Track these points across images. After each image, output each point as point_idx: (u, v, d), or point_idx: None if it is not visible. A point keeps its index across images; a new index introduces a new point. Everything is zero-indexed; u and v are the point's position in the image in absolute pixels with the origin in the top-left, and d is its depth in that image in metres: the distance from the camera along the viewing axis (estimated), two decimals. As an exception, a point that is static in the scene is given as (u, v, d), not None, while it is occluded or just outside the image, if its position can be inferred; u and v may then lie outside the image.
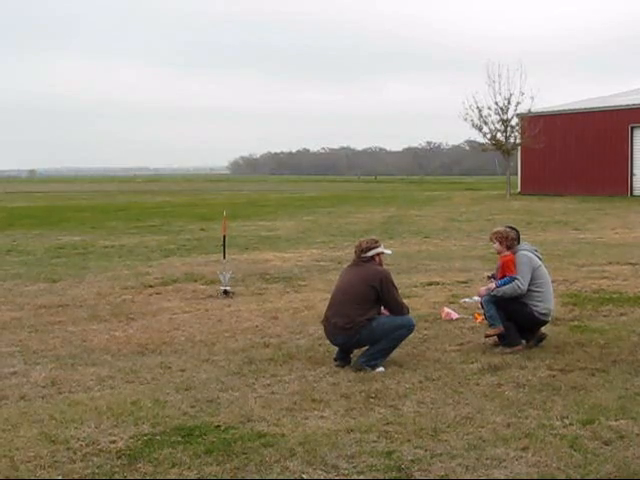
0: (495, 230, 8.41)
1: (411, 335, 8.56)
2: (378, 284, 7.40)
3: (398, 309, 7.54)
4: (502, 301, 8.01)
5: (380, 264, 7.69)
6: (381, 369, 7.17)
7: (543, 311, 8.07)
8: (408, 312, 7.66)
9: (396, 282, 7.72)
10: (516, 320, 7.98)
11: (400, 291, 11.32)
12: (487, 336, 8.02)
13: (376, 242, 7.70)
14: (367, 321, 7.33)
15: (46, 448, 5.27)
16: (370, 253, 7.60)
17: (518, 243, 8.29)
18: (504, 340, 7.96)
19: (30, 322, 9.63)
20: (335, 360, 7.43)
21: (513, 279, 7.97)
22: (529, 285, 7.99)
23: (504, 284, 8.02)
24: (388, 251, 7.98)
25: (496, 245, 8.27)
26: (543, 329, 8.22)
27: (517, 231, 8.38)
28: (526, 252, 8.15)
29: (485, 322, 9.16)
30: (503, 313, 7.99)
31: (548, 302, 8.13)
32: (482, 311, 9.70)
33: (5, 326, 9.42)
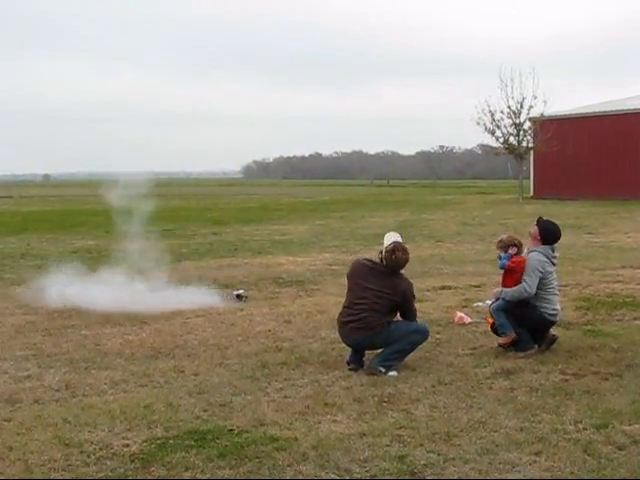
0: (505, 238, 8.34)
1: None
2: (401, 298, 7.43)
3: (413, 318, 7.59)
4: (511, 307, 7.98)
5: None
6: (394, 373, 7.17)
7: (552, 312, 8.05)
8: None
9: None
10: (527, 324, 7.96)
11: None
12: (500, 345, 7.97)
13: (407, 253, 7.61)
14: (385, 324, 7.34)
15: (60, 451, 5.29)
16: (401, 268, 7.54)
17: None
18: (517, 345, 7.93)
19: (44, 326, 9.67)
20: (348, 364, 7.44)
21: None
22: (538, 288, 7.95)
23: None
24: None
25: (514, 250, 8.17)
26: (552, 330, 8.19)
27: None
28: (539, 255, 8.11)
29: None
30: (513, 319, 7.96)
31: (556, 304, 8.12)
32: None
33: (19, 330, 9.47)
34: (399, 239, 7.62)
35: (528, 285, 7.91)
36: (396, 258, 7.43)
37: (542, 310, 8.00)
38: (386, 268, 7.45)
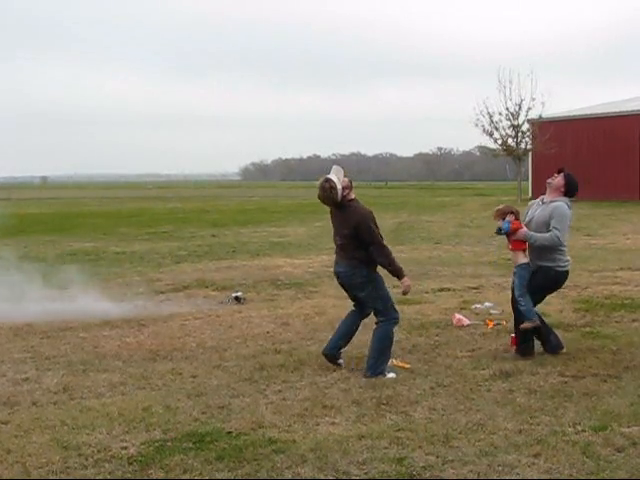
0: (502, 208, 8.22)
1: (422, 341, 8.58)
2: (354, 230, 7.28)
3: (378, 251, 7.27)
4: (529, 278, 7.83)
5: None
6: (392, 375, 7.16)
7: (565, 263, 7.93)
8: (390, 258, 7.33)
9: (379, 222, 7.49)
10: (542, 289, 7.93)
11: (411, 297, 11.37)
12: (523, 329, 7.80)
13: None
14: (361, 263, 7.28)
15: (58, 454, 5.28)
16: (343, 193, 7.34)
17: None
18: (519, 347, 7.89)
19: (42, 328, 9.66)
20: (324, 354, 7.54)
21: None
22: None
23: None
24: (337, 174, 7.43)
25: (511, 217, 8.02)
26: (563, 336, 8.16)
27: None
28: (567, 205, 7.95)
29: (496, 327, 9.16)
30: (530, 290, 7.84)
31: (567, 254, 7.99)
32: (493, 317, 9.72)
33: (17, 332, 9.45)
34: (333, 175, 7.36)
35: (560, 233, 7.73)
36: (319, 196, 7.42)
37: (557, 265, 7.85)
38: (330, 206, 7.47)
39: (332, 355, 7.54)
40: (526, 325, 7.79)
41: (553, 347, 7.93)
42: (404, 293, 7.55)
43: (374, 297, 7.41)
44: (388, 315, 7.43)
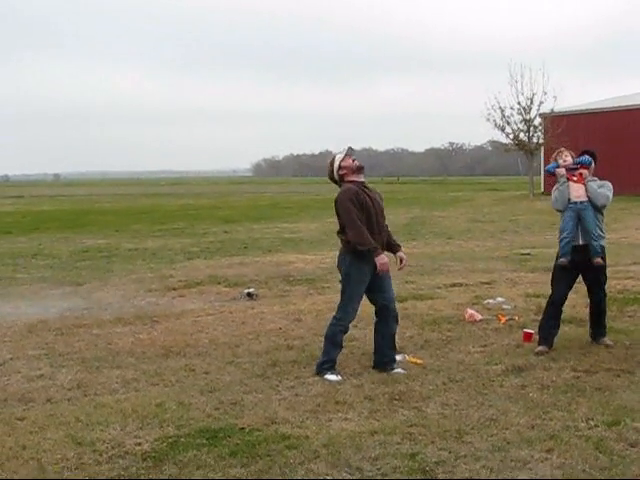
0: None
1: (434, 336, 8.58)
2: (335, 206, 7.14)
3: (350, 233, 6.99)
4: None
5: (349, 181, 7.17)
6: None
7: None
8: (362, 237, 6.94)
9: (357, 204, 7.00)
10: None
11: (423, 292, 11.38)
12: (596, 264, 7.86)
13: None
14: (350, 249, 7.06)
15: (72, 450, 5.32)
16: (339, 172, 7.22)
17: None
18: (540, 330, 7.90)
19: (56, 325, 9.71)
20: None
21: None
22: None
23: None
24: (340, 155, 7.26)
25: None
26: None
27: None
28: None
29: (509, 323, 9.15)
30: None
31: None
32: (505, 312, 9.71)
33: (32, 329, 9.51)
34: (340, 154, 7.27)
35: (611, 196, 7.88)
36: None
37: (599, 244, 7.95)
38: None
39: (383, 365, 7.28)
40: (599, 261, 7.88)
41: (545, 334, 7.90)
42: (378, 273, 7.02)
43: (342, 289, 7.22)
44: (340, 316, 7.18)
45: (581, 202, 7.82)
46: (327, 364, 7.11)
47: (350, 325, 7.33)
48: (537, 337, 8.00)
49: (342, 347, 7.28)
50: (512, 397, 6.32)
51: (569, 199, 7.85)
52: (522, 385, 6.66)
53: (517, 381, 6.78)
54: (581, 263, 7.86)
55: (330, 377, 6.94)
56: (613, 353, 7.66)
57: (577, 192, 7.88)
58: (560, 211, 7.99)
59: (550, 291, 8.16)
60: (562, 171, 7.93)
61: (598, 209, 7.88)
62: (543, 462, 4.96)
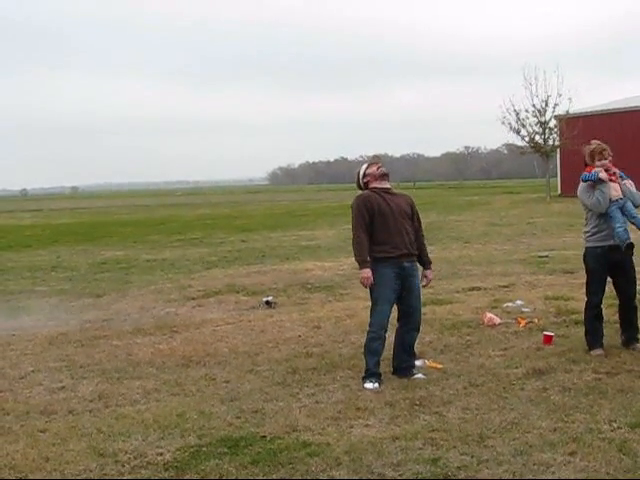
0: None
1: (454, 341, 8.56)
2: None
3: (353, 241, 7.22)
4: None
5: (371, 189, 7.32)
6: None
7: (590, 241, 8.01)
8: (358, 247, 7.13)
9: (365, 211, 7.18)
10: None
11: (442, 297, 11.35)
12: (626, 254, 7.78)
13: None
14: (373, 256, 7.15)
15: (95, 461, 5.34)
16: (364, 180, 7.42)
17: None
18: (587, 334, 7.89)
19: (76, 337, 9.76)
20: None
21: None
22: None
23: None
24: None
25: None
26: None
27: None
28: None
29: (528, 326, 9.11)
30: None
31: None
32: (524, 315, 9.67)
33: (52, 341, 9.56)
34: (367, 164, 7.54)
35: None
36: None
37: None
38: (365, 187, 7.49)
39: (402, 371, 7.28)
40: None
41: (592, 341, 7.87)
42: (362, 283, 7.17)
43: (370, 294, 7.28)
44: (370, 321, 7.23)
45: (621, 198, 7.89)
46: (366, 372, 7.09)
47: (385, 334, 7.22)
48: (556, 339, 7.96)
49: (380, 355, 7.16)
50: (533, 400, 6.29)
51: (610, 199, 7.88)
52: (543, 388, 6.62)
53: (538, 384, 6.75)
54: (612, 263, 7.85)
55: (367, 385, 6.91)
56: (635, 354, 7.60)
57: (616, 191, 7.93)
58: (601, 213, 7.93)
59: (585, 296, 8.11)
60: (605, 176, 7.93)
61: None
62: (566, 465, 4.93)
